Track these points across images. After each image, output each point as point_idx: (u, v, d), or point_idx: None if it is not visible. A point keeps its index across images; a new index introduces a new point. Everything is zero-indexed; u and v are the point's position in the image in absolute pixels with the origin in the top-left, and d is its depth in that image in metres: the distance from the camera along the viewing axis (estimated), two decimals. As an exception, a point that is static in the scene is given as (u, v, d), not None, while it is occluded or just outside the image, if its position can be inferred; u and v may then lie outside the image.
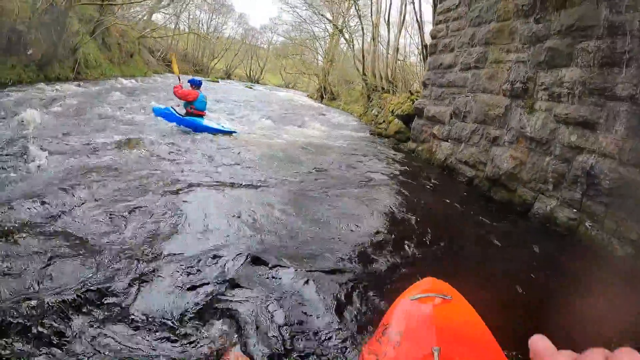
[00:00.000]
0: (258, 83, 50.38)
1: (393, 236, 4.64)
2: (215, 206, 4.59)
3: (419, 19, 15.53)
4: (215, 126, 9.55)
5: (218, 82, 32.82)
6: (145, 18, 29.28)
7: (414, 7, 16.26)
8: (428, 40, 13.42)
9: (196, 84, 9.75)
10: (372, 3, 21.58)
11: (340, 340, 2.65)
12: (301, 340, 2.61)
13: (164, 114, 9.81)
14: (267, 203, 5.02)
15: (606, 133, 4.87)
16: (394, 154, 10.98)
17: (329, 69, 32.76)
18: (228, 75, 47.51)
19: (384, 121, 16.60)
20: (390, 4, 21.13)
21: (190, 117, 9.46)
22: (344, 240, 4.28)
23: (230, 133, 9.50)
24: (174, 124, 9.45)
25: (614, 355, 0.40)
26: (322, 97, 32.04)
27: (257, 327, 2.63)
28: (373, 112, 19.57)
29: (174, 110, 9.73)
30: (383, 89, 20.16)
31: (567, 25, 5.57)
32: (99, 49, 18.31)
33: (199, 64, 43.32)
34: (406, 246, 4.39)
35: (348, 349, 2.57)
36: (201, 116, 9.69)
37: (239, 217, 4.37)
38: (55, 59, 14.12)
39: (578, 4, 5.38)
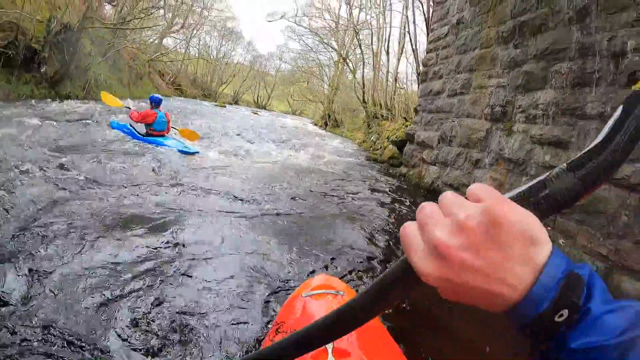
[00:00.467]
0: (265, 109, 50.67)
1: (367, 259, 4.53)
2: (196, 233, 4.30)
3: (414, 48, 15.70)
4: (176, 146, 8.79)
5: (225, 107, 33.09)
6: (156, 42, 29.82)
7: (409, 37, 16.47)
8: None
9: (155, 102, 9.08)
10: (372, 33, 21.91)
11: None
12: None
13: (123, 131, 9.20)
14: (251, 226, 4.83)
15: (577, 151, 4.77)
16: (384, 179, 10.88)
17: (333, 97, 33.04)
18: (236, 101, 47.79)
19: (380, 147, 16.64)
20: (389, 33, 21.36)
21: (151, 138, 8.84)
22: (317, 262, 4.13)
23: (192, 153, 8.75)
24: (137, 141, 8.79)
25: (468, 191, 0.45)
26: (326, 124, 32.18)
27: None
28: (372, 138, 19.61)
29: (133, 128, 9.11)
30: (382, 116, 20.27)
31: (542, 49, 5.58)
32: (110, 70, 18.60)
33: (208, 89, 43.68)
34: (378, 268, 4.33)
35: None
36: (162, 136, 9.04)
37: (220, 240, 4.19)
38: (67, 78, 14.36)
39: (552, 28, 5.39)
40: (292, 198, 6.58)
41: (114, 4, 20.87)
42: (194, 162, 8.14)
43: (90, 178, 5.49)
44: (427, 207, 0.45)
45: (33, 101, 11.96)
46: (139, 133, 8.96)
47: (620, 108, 0.48)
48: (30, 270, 2.96)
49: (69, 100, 13.76)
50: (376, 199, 7.83)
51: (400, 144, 13.75)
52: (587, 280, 0.40)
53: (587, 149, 0.45)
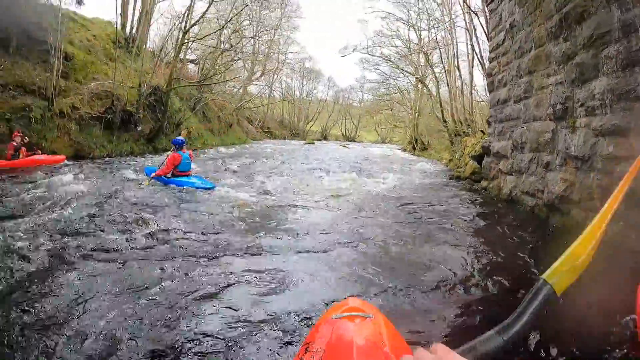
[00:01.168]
0: (354, 141, 51.05)
1: (465, 271, 4.49)
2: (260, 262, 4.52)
3: (480, 60, 15.14)
4: (196, 182, 8.93)
5: (314, 143, 34.14)
6: (240, 91, 31.82)
7: (472, 50, 15.95)
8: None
9: (178, 144, 9.19)
10: (440, 52, 21.51)
11: None
12: None
13: (157, 180, 9.18)
14: (324, 255, 4.94)
15: (637, 136, 4.33)
16: (465, 195, 10.38)
17: (417, 121, 32.57)
18: (324, 137, 48.77)
19: (463, 164, 16.02)
20: (457, 49, 20.79)
21: (175, 179, 9.01)
22: (420, 277, 4.22)
23: (208, 188, 8.77)
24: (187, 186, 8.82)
25: (432, 347, 0.69)
26: (414, 148, 31.62)
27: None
28: (456, 156, 18.97)
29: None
30: (464, 132, 19.61)
31: (587, 37, 5.16)
32: (200, 122, 20.32)
33: (295, 128, 45.34)
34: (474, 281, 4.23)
35: None
36: (187, 176, 9.17)
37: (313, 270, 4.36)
38: (162, 133, 16.04)
39: (594, 12, 4.99)
40: (368, 225, 6.49)
41: (196, 62, 22.89)
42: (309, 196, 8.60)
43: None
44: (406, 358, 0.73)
45: (127, 158, 13.37)
46: (166, 176, 9.11)
47: (532, 290, 0.78)
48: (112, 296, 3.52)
49: (167, 152, 15.18)
50: (455, 216, 7.44)
51: (479, 158, 13.12)
52: None
53: (508, 320, 0.75)
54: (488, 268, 4.59)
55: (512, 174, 8.93)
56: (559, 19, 5.97)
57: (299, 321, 3.19)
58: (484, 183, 11.17)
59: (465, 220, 7.21)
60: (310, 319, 3.25)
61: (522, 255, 5.15)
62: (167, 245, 4.94)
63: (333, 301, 3.37)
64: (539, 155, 7.35)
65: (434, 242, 5.62)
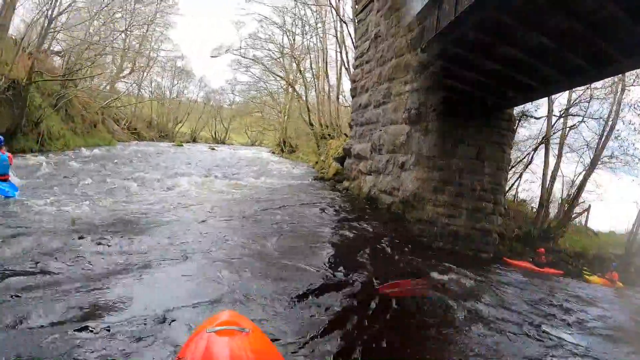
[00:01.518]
0: (224, 143, 49.53)
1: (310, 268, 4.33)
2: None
3: (347, 67, 15.88)
4: (6, 189, 7.23)
5: (182, 146, 32.17)
6: (107, 88, 28.77)
7: (341, 57, 16.70)
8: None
9: None
10: (311, 60, 22.12)
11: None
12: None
13: None
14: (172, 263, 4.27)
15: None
16: (328, 194, 10.52)
17: (286, 124, 32.86)
18: (194, 139, 46.25)
19: (328, 166, 16.50)
20: (326, 55, 21.67)
21: None
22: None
23: (9, 197, 7.11)
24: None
25: None
26: (282, 151, 31.72)
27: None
28: (322, 158, 19.49)
29: None
30: (329, 135, 20.26)
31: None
32: (62, 121, 17.78)
33: (164, 130, 42.33)
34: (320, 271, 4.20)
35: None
36: (3, 181, 7.52)
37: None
38: (20, 132, 13.66)
39: (448, 27, 5.39)
40: (230, 230, 5.94)
41: (61, 55, 20.27)
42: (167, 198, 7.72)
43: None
44: None
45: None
46: None
47: None
48: None
49: (24, 154, 12.91)
50: (317, 217, 7.32)
51: (341, 160, 13.59)
52: None
53: None
54: (349, 268, 4.57)
55: (371, 174, 9.35)
56: (418, 32, 6.35)
57: (168, 335, 2.76)
58: (345, 183, 11.57)
59: (326, 220, 7.21)
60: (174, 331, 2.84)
61: (381, 251, 5.30)
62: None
63: (200, 311, 3.10)
64: (395, 157, 7.77)
65: (296, 244, 5.42)
